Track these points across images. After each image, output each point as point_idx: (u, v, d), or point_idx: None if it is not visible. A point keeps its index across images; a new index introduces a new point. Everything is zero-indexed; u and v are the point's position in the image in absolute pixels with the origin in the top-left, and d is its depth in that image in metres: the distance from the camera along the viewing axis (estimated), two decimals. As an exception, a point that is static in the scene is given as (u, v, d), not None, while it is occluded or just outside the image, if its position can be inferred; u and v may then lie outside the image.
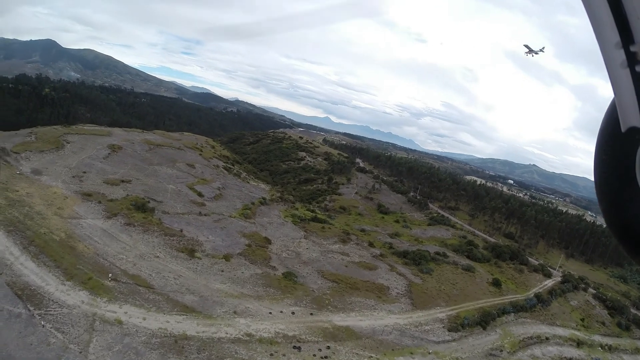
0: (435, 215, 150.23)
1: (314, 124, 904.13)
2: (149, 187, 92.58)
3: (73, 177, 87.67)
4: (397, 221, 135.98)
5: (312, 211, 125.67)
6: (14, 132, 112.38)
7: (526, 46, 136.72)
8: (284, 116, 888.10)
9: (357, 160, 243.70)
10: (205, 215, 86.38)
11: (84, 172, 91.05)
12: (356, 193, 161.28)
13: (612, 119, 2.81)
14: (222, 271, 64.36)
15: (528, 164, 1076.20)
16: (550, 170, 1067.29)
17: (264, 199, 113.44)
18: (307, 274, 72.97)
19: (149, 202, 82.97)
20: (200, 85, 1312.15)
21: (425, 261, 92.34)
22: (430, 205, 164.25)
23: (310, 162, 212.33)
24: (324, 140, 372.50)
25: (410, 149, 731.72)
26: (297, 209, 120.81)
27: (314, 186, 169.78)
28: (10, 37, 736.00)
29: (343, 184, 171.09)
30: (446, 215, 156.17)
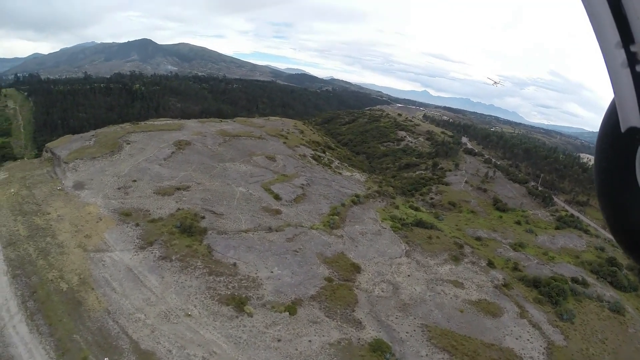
0: (563, 214, 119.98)
1: (412, 99, 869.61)
2: (211, 194, 74.15)
3: (118, 189, 71.47)
4: (518, 222, 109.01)
5: (416, 209, 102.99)
6: (80, 135, 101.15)
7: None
8: (380, 92, 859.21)
9: (464, 139, 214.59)
10: (276, 230, 65.81)
11: (134, 181, 74.77)
12: (466, 182, 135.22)
13: (611, 119, 2.73)
14: (279, 341, 42.08)
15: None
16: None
17: (357, 196, 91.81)
18: (407, 335, 48.63)
19: (203, 217, 64.30)
20: (295, 67, 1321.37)
21: (563, 297, 65.51)
22: (555, 199, 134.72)
23: (411, 142, 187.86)
24: (424, 116, 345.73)
25: (515, 122, 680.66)
26: (397, 206, 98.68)
27: (417, 173, 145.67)
28: (110, 41, 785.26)
29: (450, 171, 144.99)
30: (575, 213, 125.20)
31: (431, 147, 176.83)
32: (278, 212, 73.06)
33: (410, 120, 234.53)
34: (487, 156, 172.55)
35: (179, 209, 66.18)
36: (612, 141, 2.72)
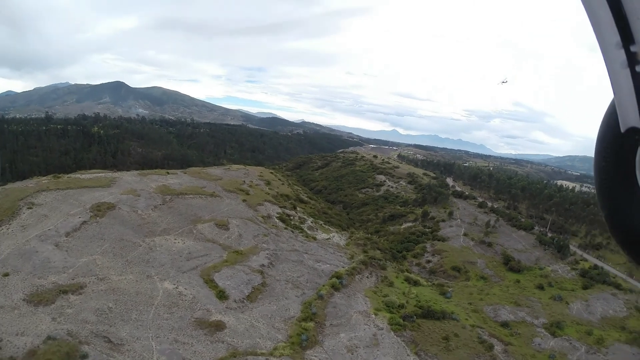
0: (585, 266, 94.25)
1: (382, 138, 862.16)
2: (115, 299, 44.64)
3: (-27, 296, 42.98)
4: (540, 287, 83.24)
5: (415, 282, 76.21)
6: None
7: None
8: (351, 133, 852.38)
9: (449, 181, 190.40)
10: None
11: (6, 275, 46.10)
12: (465, 235, 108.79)
13: (611, 119, 2.73)
14: None
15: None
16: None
17: (338, 276, 63.82)
18: None
19: (84, 357, 35.66)
20: (267, 111, 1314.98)
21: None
22: (570, 247, 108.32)
23: (392, 187, 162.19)
24: (399, 156, 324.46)
25: (484, 155, 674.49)
26: (391, 282, 71.52)
27: (405, 226, 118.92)
28: (84, 82, 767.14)
29: (444, 221, 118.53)
30: (596, 262, 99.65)
31: (416, 192, 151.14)
32: (219, 326, 43.83)
33: (388, 162, 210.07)
34: (480, 199, 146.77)
35: (49, 337, 37.29)
36: (612, 141, 2.71)
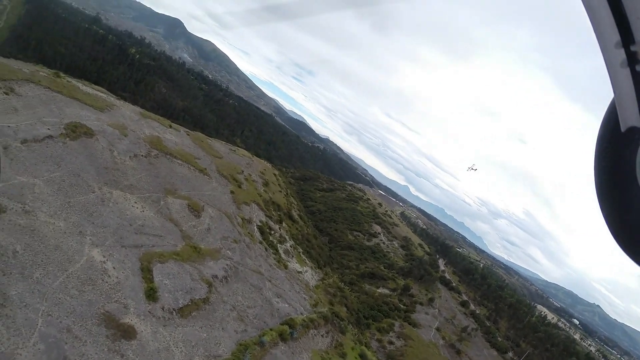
0: None
1: (392, 188, 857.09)
2: (28, 242, 34.56)
3: None
4: None
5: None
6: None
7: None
8: (366, 170, 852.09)
9: (441, 262, 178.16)
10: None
11: None
12: (438, 329, 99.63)
13: (611, 119, 2.73)
14: None
15: (592, 302, 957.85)
16: (613, 317, 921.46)
17: (291, 324, 54.09)
18: None
19: None
20: (298, 112, 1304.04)
21: None
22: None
23: (384, 244, 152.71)
24: (402, 214, 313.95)
25: (479, 248, 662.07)
26: (344, 353, 61.93)
27: (381, 291, 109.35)
28: (147, 5, 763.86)
29: (422, 304, 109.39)
30: None
31: (405, 261, 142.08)
32: (128, 333, 33.85)
33: (390, 217, 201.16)
34: (465, 297, 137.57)
35: None
36: (612, 141, 2.72)
